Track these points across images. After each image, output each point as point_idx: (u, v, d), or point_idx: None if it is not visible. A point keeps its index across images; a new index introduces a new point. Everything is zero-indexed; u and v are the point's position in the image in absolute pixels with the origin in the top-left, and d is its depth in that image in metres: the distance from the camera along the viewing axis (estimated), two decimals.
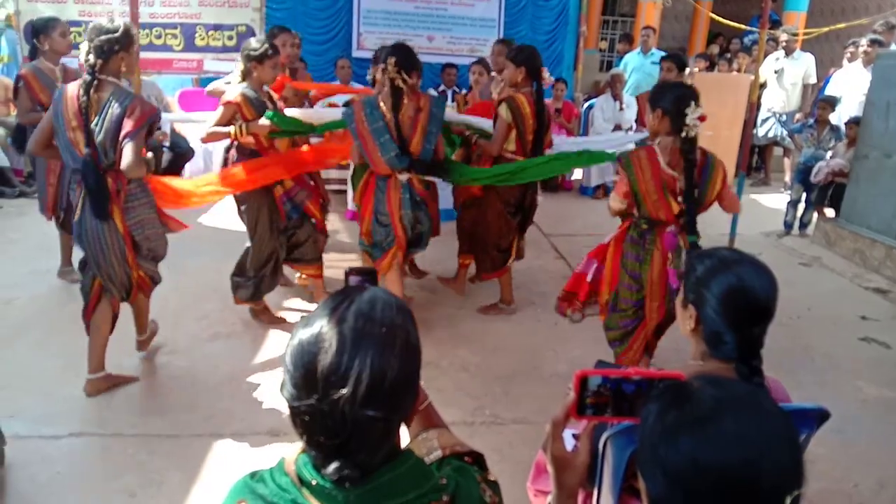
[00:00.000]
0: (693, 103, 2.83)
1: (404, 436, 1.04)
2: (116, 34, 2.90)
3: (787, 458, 0.83)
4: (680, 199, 2.91)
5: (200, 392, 3.27)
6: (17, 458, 2.69)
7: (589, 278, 3.31)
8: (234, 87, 3.77)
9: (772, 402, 0.89)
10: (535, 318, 4.37)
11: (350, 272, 1.23)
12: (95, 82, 2.89)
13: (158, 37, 7.59)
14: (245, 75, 3.78)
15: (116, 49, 2.91)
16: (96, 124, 2.89)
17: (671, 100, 2.87)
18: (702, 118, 2.84)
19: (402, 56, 3.62)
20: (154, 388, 3.24)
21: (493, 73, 5.12)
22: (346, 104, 4.12)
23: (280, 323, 4.06)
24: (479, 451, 1.17)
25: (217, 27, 7.43)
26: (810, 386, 3.59)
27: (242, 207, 3.87)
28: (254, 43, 3.75)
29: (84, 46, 2.90)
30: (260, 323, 4.06)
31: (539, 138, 4.05)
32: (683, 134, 2.83)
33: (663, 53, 8.71)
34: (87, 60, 2.89)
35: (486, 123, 4.34)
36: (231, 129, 3.66)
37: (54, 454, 2.78)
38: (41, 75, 4.30)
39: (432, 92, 7.52)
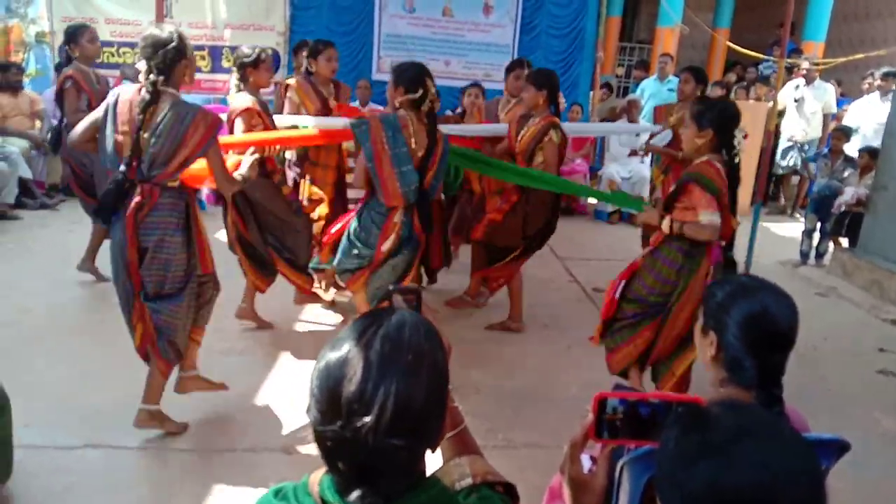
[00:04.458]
0: (739, 125, 2.89)
1: (435, 459, 1.03)
2: (173, 44, 2.74)
3: (808, 486, 0.82)
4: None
5: (214, 407, 3.28)
6: (30, 467, 2.70)
7: (617, 295, 3.15)
8: (240, 97, 3.86)
9: (793, 430, 0.89)
10: (548, 341, 4.36)
11: (394, 291, 1.23)
12: (154, 97, 2.75)
13: None
14: (243, 82, 3.88)
15: (177, 59, 2.77)
16: (151, 135, 2.73)
17: (722, 119, 2.86)
18: (745, 137, 2.89)
19: (432, 78, 3.44)
20: (167, 402, 3.25)
21: (504, 96, 5.10)
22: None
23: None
24: (511, 482, 1.15)
25: None
26: (827, 418, 3.53)
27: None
28: (246, 50, 3.90)
29: (142, 64, 2.75)
30: (273, 339, 4.07)
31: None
32: (734, 154, 2.87)
33: None
34: (147, 78, 2.73)
35: (482, 129, 4.56)
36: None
37: (68, 464, 2.80)
38: (86, 76, 4.47)
39: (449, 114, 7.61)
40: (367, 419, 0.86)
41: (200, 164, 2.91)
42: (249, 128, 3.79)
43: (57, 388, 3.34)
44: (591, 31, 8.44)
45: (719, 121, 2.86)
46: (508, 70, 5.06)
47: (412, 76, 3.38)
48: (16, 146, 6.55)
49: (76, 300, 4.47)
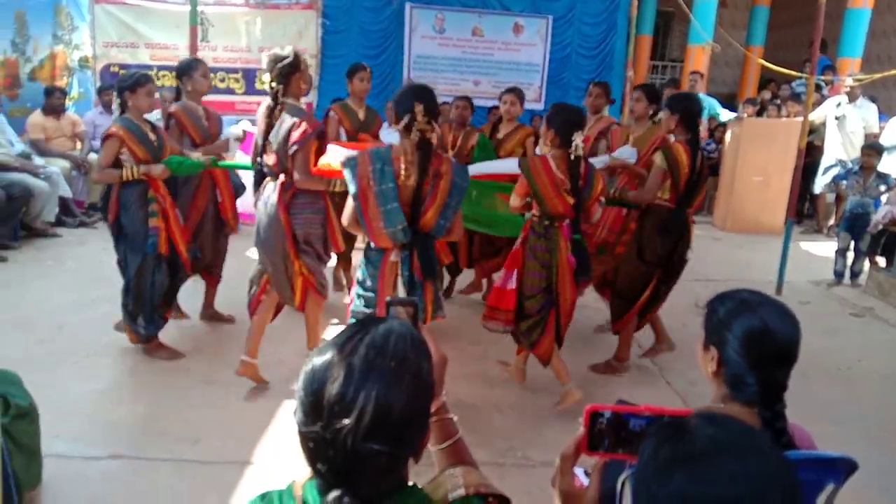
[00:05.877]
0: (580, 130, 3.33)
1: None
2: (288, 60, 3.35)
3: (781, 501, 0.81)
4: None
5: (234, 420, 3.33)
6: (58, 476, 2.77)
7: (512, 285, 3.56)
8: (112, 122, 3.77)
9: (769, 443, 0.88)
10: (570, 358, 4.30)
11: (391, 303, 1.26)
12: (278, 105, 3.39)
13: (222, 80, 7.95)
14: (122, 107, 3.74)
15: (292, 72, 3.37)
16: (274, 136, 3.37)
17: (562, 123, 3.37)
18: (585, 140, 3.42)
19: (431, 102, 2.89)
20: (189, 416, 3.31)
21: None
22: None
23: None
24: (506, 495, 1.15)
25: None
26: (859, 441, 3.43)
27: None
28: (129, 72, 3.88)
29: (267, 77, 3.41)
30: (295, 351, 4.11)
31: (693, 188, 3.93)
32: (571, 153, 3.33)
33: (712, 99, 8.71)
34: (270, 88, 3.40)
35: (508, 165, 4.43)
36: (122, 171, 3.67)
37: (93, 475, 2.87)
38: (190, 114, 4.27)
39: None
40: (347, 421, 0.88)
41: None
42: (111, 157, 3.67)
43: (85, 402, 3.43)
44: (621, 51, 8.45)
45: (562, 124, 3.35)
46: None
47: (401, 99, 2.90)
48: (57, 166, 6.78)
49: (107, 317, 4.56)
